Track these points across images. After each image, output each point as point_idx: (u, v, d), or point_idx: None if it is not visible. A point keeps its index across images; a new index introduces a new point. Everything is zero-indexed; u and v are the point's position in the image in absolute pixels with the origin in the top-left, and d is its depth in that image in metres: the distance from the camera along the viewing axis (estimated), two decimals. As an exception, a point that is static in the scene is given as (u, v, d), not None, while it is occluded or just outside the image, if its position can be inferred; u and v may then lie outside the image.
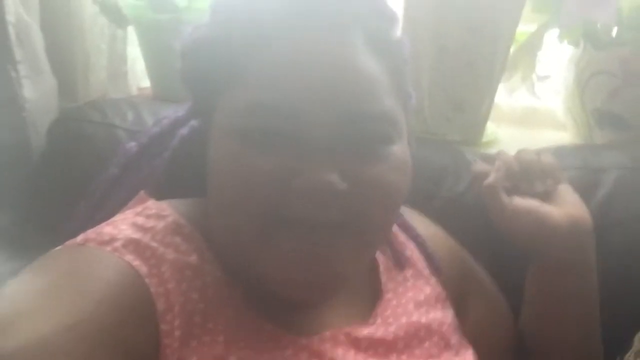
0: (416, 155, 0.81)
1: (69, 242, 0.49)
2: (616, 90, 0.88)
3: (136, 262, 0.47)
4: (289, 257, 0.47)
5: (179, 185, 0.59)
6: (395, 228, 0.65)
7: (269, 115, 0.47)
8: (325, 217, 0.46)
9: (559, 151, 0.79)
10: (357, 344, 0.53)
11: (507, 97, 1.07)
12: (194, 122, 0.60)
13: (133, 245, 0.48)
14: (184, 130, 0.61)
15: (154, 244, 0.49)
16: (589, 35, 0.90)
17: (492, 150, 0.93)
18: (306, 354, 0.50)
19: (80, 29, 0.95)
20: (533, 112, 1.08)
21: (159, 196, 0.57)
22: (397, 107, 0.51)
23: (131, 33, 1.03)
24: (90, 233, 0.49)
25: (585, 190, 0.73)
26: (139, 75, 1.08)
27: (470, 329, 0.65)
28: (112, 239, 0.48)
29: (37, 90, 0.85)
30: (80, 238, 0.49)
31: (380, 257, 0.62)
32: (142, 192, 0.57)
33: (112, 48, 0.99)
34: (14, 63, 0.76)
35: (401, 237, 0.65)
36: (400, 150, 0.51)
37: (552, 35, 0.96)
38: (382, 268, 0.61)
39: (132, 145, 0.62)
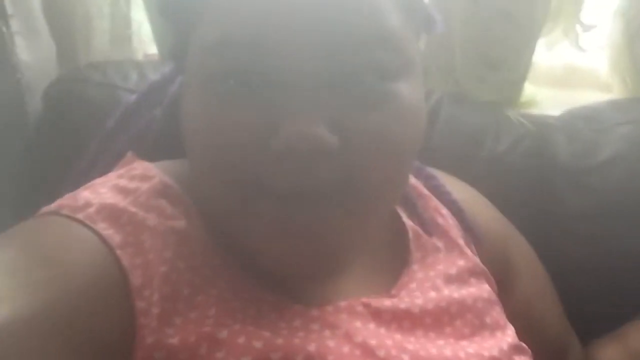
0: (451, 113, 0.75)
1: (43, 210, 0.44)
2: (672, 39, 0.79)
3: (108, 231, 0.40)
4: (274, 231, 0.39)
5: (176, 140, 0.52)
6: (426, 192, 0.57)
7: (240, 54, 0.38)
8: (313, 181, 0.38)
9: (614, 105, 0.71)
10: (378, 316, 0.46)
11: (544, 55, 0.98)
12: None
13: (107, 210, 0.42)
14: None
15: (133, 209, 0.42)
16: (639, -20, 0.81)
17: (532, 112, 0.86)
18: (317, 325, 0.43)
19: (80, -11, 0.88)
20: (573, 72, 0.98)
21: (150, 157, 0.50)
22: (407, 31, 0.41)
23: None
24: (66, 198, 0.44)
25: (646, 146, 0.65)
26: (145, 41, 1.00)
27: (515, 306, 0.57)
28: (86, 205, 0.42)
29: (33, 53, 0.78)
30: (55, 204, 0.43)
31: (408, 222, 0.54)
32: (129, 154, 0.51)
33: (115, 10, 0.91)
34: (5, 17, 0.69)
35: (434, 202, 0.57)
36: (408, 89, 0.41)
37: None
38: (410, 235, 0.53)
39: (131, 97, 0.56)
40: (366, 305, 0.46)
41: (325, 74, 0.38)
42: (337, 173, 0.38)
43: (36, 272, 0.37)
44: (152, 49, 1.00)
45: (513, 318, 0.53)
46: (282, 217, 0.39)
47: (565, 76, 0.99)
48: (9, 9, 0.70)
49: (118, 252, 0.40)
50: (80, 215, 0.41)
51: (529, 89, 0.91)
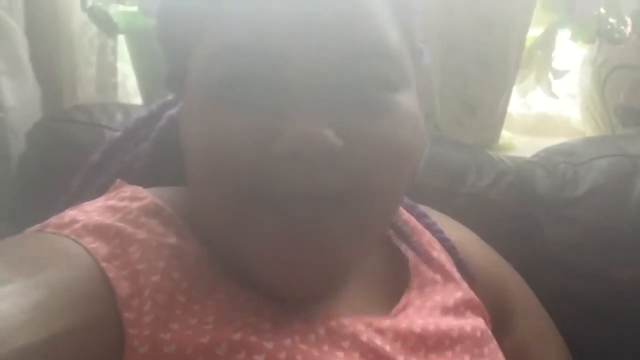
0: (435, 152, 0.77)
1: (28, 230, 0.43)
2: (639, 83, 0.83)
3: (94, 245, 0.39)
4: (274, 242, 0.38)
5: (162, 175, 0.52)
6: (420, 227, 0.57)
7: (244, 61, 0.38)
8: (318, 185, 0.37)
9: (589, 141, 0.74)
10: (382, 333, 0.44)
11: (518, 105, 1.02)
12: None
13: (94, 224, 0.41)
14: (172, 112, 0.55)
15: (121, 224, 0.41)
16: (604, 31, 0.86)
17: (510, 154, 0.88)
18: (323, 329, 0.41)
19: (68, 39, 0.90)
20: (546, 120, 1.02)
21: (140, 185, 0.49)
22: (404, 48, 0.43)
23: (122, 48, 0.98)
24: (53, 218, 0.43)
25: (624, 178, 0.67)
26: (130, 93, 1.02)
27: (514, 348, 0.56)
28: (72, 221, 0.41)
29: (17, 95, 0.79)
30: (39, 225, 0.42)
31: (408, 252, 0.54)
32: (118, 181, 0.50)
33: (101, 59, 0.93)
34: (-8, 56, 0.70)
35: (427, 236, 0.57)
36: (407, 100, 0.41)
37: (561, 37, 0.92)
38: (410, 262, 0.53)
39: (117, 132, 0.56)
40: (368, 324, 0.44)
41: (329, 82, 0.38)
42: (342, 177, 0.38)
43: (16, 297, 0.34)
44: (137, 100, 1.02)
45: (512, 359, 0.52)
46: (283, 224, 0.38)
47: (538, 124, 1.03)
48: (-3, 50, 0.71)
49: (103, 264, 0.38)
50: (66, 231, 0.40)
51: (505, 135, 0.94)
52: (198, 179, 0.42)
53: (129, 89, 1.03)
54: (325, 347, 0.41)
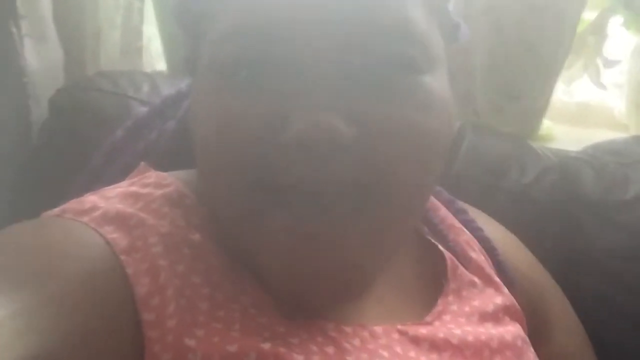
0: (475, 142, 0.73)
1: (45, 214, 0.40)
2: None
3: (114, 235, 0.36)
4: (283, 242, 0.35)
5: (182, 158, 0.49)
6: (457, 224, 0.54)
7: (252, 43, 0.35)
8: (327, 179, 0.34)
9: (636, 140, 0.70)
10: (417, 343, 0.42)
11: (559, 92, 0.97)
12: None
13: (114, 212, 0.38)
14: None
15: (143, 214, 0.39)
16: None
17: (550, 145, 0.84)
18: (358, 340, 0.39)
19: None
20: (587, 109, 0.98)
21: (164, 168, 0.47)
22: (430, 26, 0.38)
23: (148, 10, 0.93)
24: (72, 202, 0.40)
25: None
26: (154, 57, 0.98)
27: (551, 358, 0.53)
28: (93, 208, 0.38)
29: (40, 59, 0.75)
30: (58, 209, 0.40)
31: (446, 252, 0.51)
32: (142, 164, 0.47)
33: (127, 21, 0.89)
34: (16, 17, 0.66)
35: (465, 235, 0.53)
36: (433, 82, 0.37)
37: (612, 23, 0.87)
38: (449, 263, 0.49)
39: (143, 108, 0.55)
40: (402, 333, 0.42)
41: (343, 65, 0.35)
42: (355, 170, 0.34)
43: (24, 289, 0.32)
44: (161, 65, 0.98)
45: None
46: (291, 221, 0.35)
47: (578, 114, 0.99)
48: (21, 9, 0.67)
49: (122, 257, 0.35)
50: (85, 219, 0.38)
51: (546, 124, 0.90)
52: (205, 168, 0.39)
53: (153, 52, 0.99)
54: (364, 356, 0.38)
